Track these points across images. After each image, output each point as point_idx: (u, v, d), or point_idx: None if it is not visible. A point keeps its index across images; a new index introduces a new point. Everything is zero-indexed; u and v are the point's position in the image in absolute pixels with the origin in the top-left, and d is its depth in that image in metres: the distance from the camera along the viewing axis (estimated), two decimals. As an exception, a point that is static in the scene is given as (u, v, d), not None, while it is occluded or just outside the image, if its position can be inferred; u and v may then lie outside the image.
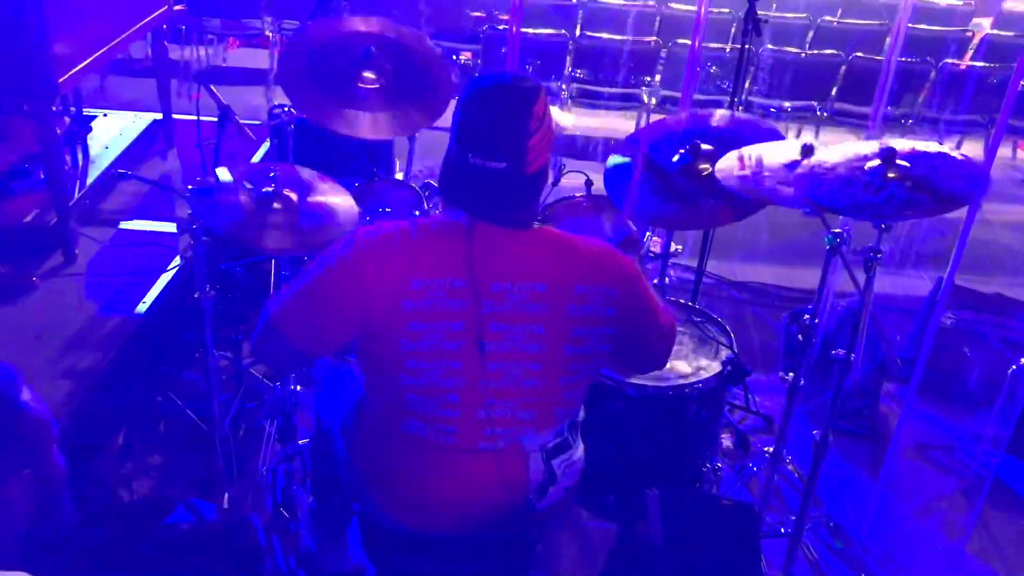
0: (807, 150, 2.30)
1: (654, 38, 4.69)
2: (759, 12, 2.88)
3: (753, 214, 2.43)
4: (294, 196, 2.29)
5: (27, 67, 2.64)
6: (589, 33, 4.74)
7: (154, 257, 3.06)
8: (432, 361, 1.62)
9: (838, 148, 2.30)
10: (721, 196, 2.45)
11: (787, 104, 4.84)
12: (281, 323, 1.68)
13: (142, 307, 2.83)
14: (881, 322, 3.54)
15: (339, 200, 2.35)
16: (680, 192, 2.50)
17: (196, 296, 2.47)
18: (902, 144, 2.19)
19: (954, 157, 2.20)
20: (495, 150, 1.57)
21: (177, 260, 3.03)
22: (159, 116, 3.90)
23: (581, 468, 1.87)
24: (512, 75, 1.67)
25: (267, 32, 5.54)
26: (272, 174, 2.28)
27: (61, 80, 2.75)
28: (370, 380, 1.75)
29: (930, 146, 2.23)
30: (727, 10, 5.18)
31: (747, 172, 2.36)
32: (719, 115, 2.69)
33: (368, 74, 2.53)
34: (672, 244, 2.89)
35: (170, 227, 3.25)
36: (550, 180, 1.88)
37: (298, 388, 2.60)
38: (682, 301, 2.67)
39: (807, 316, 2.41)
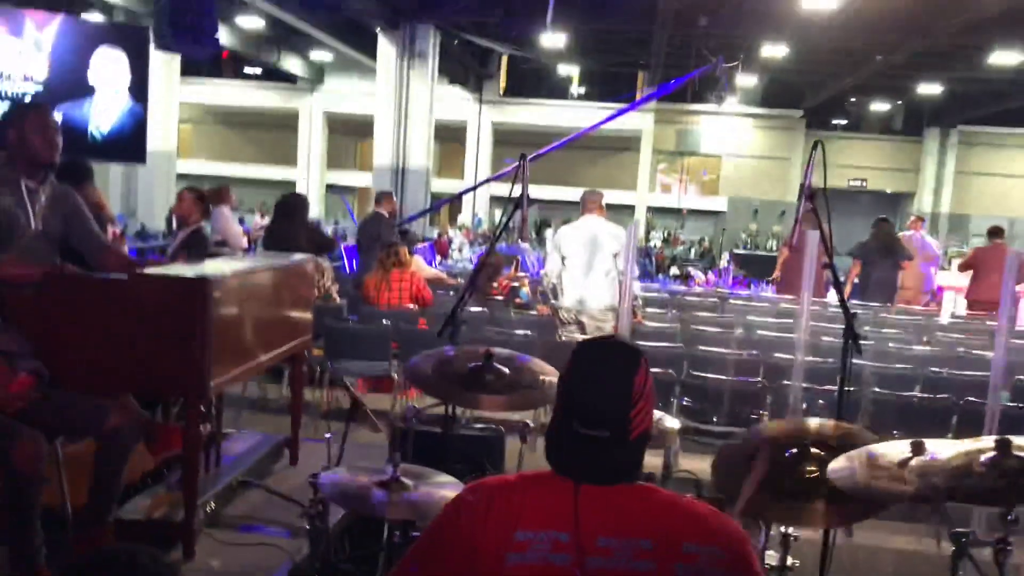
0: (918, 447, 2.29)
1: (761, 379, 4.87)
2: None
3: (867, 518, 2.37)
4: (410, 483, 2.40)
5: (187, 368, 2.97)
6: (695, 372, 4.96)
7: (269, 558, 3.13)
8: None
9: (950, 444, 2.30)
10: (834, 499, 2.43)
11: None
12: None
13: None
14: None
15: (451, 492, 2.44)
16: (790, 491, 2.48)
17: (304, 585, 2.51)
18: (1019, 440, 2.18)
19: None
20: (598, 420, 1.64)
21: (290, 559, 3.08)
22: (288, 436, 4.17)
23: None
24: (613, 342, 1.80)
25: (393, 374, 6.00)
26: (392, 463, 2.43)
27: (214, 383, 3.07)
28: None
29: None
30: (831, 359, 5.37)
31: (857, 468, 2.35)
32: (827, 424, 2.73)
33: (488, 375, 2.76)
34: (789, 558, 2.78)
35: (284, 533, 3.35)
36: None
37: None
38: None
39: (943, 629, 2.22)
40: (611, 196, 6.39)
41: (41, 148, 3.32)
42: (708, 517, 1.67)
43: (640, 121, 23.12)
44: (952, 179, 24.89)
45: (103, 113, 6.99)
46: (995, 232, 9.64)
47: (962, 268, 9.90)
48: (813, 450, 2.56)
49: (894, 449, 2.38)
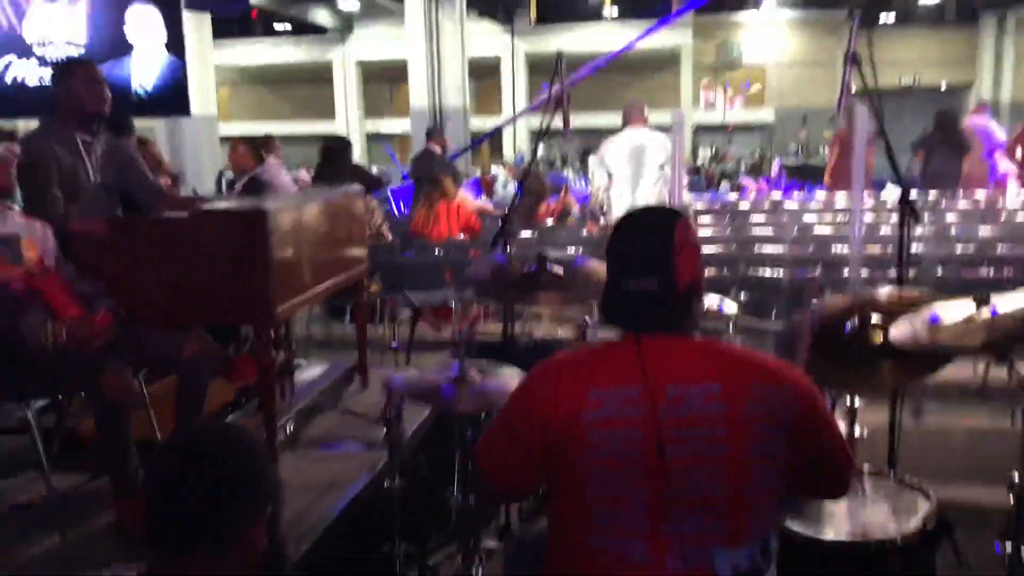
0: (983, 299, 2.28)
1: (818, 271, 4.84)
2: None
3: (933, 372, 2.38)
4: (477, 376, 2.49)
5: (252, 296, 3.07)
6: (752, 271, 4.95)
7: (349, 470, 3.25)
8: (615, 471, 1.66)
9: (1014, 297, 2.28)
10: (899, 358, 2.44)
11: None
12: (481, 459, 1.84)
13: (335, 508, 2.96)
14: None
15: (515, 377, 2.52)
16: (855, 358, 2.49)
17: (385, 485, 2.64)
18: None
19: None
20: (644, 271, 1.72)
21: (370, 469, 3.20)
22: (355, 362, 4.29)
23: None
24: (653, 206, 1.87)
25: (450, 303, 6.08)
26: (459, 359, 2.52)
27: (279, 309, 3.17)
28: (557, 502, 1.78)
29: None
30: (890, 247, 5.30)
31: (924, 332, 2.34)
32: (887, 291, 2.72)
33: (543, 276, 2.81)
34: (856, 429, 2.80)
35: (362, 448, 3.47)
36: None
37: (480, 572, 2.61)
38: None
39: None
40: (654, 117, 6.31)
41: (92, 101, 3.40)
42: (773, 363, 1.74)
43: (678, 37, 22.57)
44: (1012, 66, 23.80)
45: (144, 70, 7.13)
46: None
47: (1011, 148, 9.50)
48: (874, 319, 2.56)
49: (957, 307, 2.37)
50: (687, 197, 6.88)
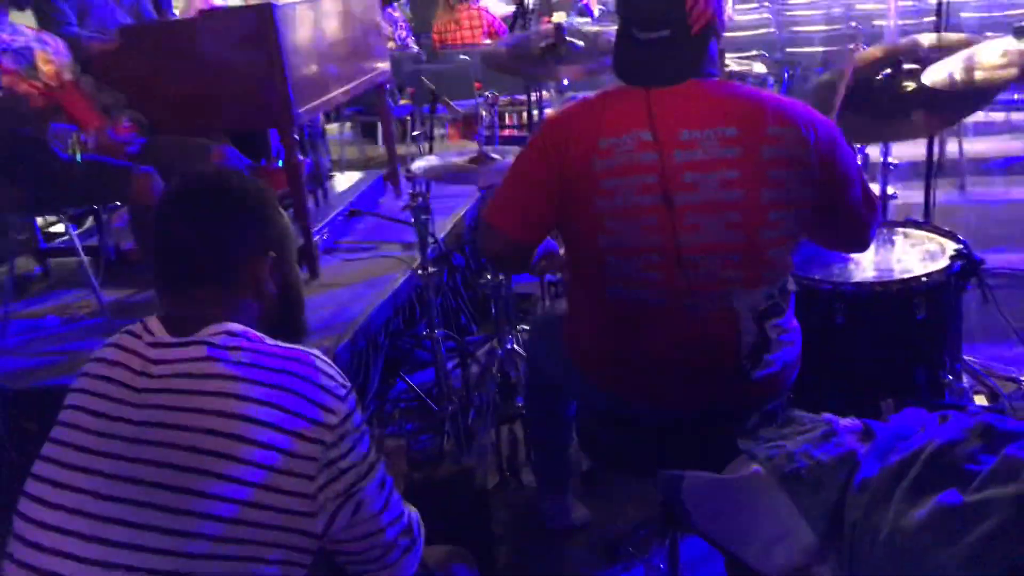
0: (1020, 30, 2.17)
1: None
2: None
3: (966, 117, 2.30)
4: (499, 156, 2.48)
5: (271, 96, 3.04)
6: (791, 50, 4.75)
7: (390, 268, 3.31)
8: (627, 218, 1.65)
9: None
10: (933, 107, 2.36)
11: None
12: (492, 215, 1.81)
13: (376, 300, 3.04)
14: None
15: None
16: (887, 109, 2.41)
17: (419, 272, 2.69)
18: None
19: None
20: (656, 21, 1.64)
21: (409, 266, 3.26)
22: (385, 172, 4.28)
23: (799, 343, 1.79)
24: None
25: (480, 111, 5.97)
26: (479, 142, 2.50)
27: (301, 110, 3.14)
28: (573, 252, 1.80)
29: None
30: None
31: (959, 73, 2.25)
32: (924, 38, 2.60)
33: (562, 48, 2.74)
34: (890, 188, 2.75)
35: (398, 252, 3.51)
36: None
37: (516, 348, 2.70)
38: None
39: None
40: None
41: None
42: (791, 104, 1.67)
43: None
44: None
45: None
46: None
47: None
48: (908, 66, 2.46)
49: (993, 46, 2.26)
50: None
